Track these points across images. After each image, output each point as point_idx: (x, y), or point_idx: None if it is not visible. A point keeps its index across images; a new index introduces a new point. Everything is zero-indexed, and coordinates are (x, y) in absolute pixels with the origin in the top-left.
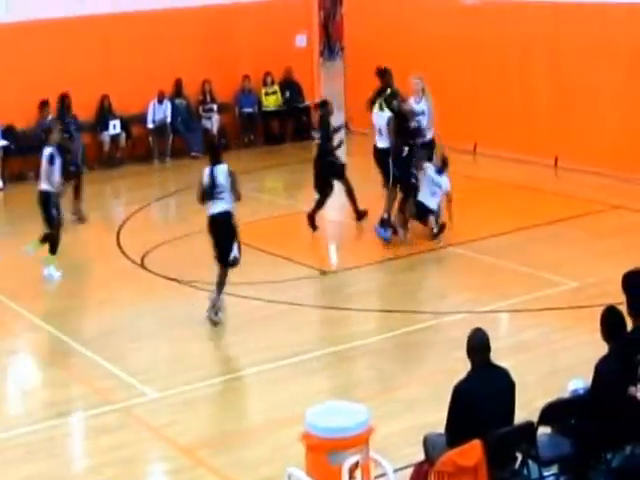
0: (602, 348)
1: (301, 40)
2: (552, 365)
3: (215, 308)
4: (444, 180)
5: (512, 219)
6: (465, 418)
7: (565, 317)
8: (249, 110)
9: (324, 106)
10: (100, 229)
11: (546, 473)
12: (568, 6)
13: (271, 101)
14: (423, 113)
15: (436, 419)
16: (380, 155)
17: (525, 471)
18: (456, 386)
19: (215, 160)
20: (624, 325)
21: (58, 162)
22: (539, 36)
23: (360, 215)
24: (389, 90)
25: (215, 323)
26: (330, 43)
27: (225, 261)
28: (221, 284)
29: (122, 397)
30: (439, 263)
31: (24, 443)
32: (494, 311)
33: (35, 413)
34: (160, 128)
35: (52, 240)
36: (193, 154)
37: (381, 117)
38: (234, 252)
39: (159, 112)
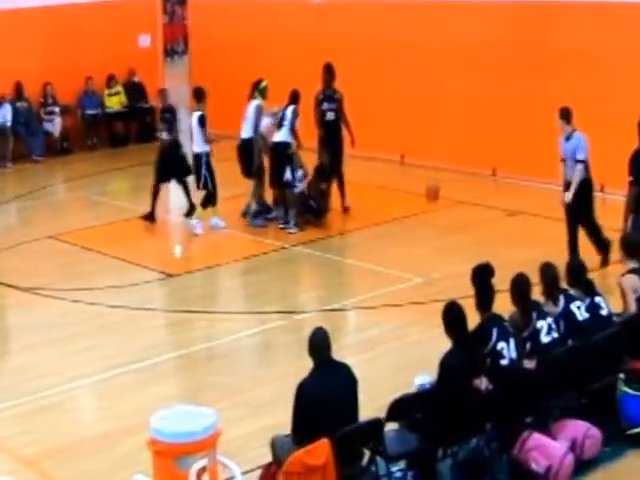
0: (448, 342)
1: (144, 40)
2: (399, 361)
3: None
4: None
5: (357, 217)
6: (309, 416)
7: (411, 313)
8: (92, 112)
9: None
10: None
11: (394, 469)
12: (415, 4)
13: (114, 102)
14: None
15: (283, 420)
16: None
17: (373, 467)
18: (299, 385)
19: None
20: (464, 319)
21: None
22: (387, 34)
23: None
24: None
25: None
26: (172, 43)
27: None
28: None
29: None
30: (286, 263)
31: None
32: (342, 309)
33: None
34: (0, 132)
35: (210, 198)
36: (35, 158)
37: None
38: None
39: None
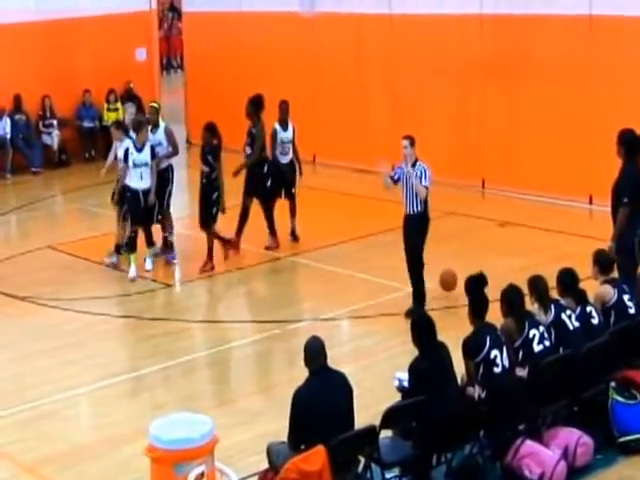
0: None
1: (141, 54)
2: (392, 369)
3: None
4: None
5: (351, 228)
6: (305, 423)
7: (403, 322)
8: (90, 125)
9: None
10: None
11: (388, 475)
12: (402, 17)
13: (112, 117)
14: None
15: (279, 427)
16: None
17: (368, 474)
18: (295, 392)
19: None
20: (433, 328)
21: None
22: (375, 47)
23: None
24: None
25: None
26: (170, 56)
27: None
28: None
29: None
30: (280, 273)
31: None
32: (335, 318)
33: None
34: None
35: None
36: (34, 170)
37: None
38: None
39: None
